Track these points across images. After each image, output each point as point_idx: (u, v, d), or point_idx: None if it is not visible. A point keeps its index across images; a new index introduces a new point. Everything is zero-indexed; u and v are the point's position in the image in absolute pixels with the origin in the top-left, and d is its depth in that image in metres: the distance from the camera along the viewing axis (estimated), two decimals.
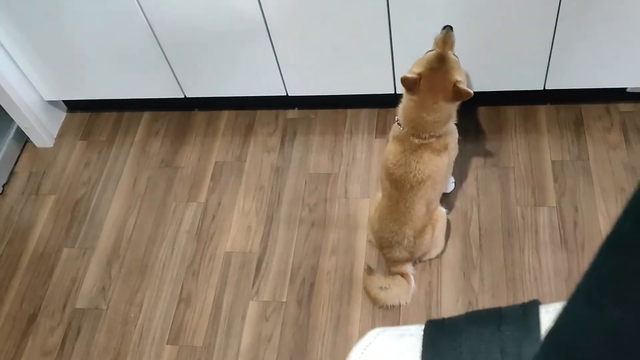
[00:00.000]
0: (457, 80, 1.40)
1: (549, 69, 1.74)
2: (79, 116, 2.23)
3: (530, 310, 0.40)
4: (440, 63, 1.42)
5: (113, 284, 1.79)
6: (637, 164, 1.75)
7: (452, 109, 1.45)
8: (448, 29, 1.48)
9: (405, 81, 1.41)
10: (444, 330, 0.41)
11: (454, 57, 1.45)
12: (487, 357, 0.38)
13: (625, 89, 1.84)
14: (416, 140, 1.48)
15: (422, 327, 0.43)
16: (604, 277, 0.29)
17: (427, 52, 1.47)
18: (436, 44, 1.48)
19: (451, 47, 1.47)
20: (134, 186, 1.99)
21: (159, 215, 1.90)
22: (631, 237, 0.28)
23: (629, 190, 1.70)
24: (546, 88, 1.80)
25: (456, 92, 1.40)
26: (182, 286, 1.74)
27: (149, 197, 1.96)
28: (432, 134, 1.47)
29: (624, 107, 1.88)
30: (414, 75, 1.41)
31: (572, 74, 1.75)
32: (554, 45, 1.67)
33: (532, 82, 1.79)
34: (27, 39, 1.88)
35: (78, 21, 1.79)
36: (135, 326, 1.70)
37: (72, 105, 2.23)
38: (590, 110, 1.89)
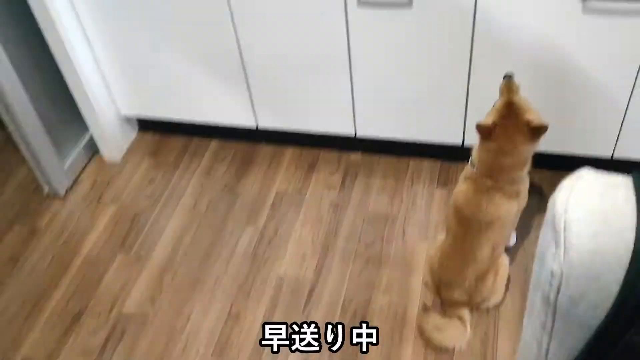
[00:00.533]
0: (529, 119, 1.43)
1: (619, 137, 1.77)
2: (150, 137, 2.31)
3: None
4: (509, 110, 1.45)
5: (163, 293, 1.78)
6: None
7: (530, 151, 1.47)
8: (509, 77, 1.50)
9: (480, 127, 1.44)
10: None
11: (522, 99, 1.48)
12: None
13: None
14: (489, 182, 1.49)
15: (630, 177, 0.44)
16: None
17: (495, 102, 1.50)
18: (501, 93, 1.50)
19: (516, 93, 1.49)
20: (194, 206, 2.03)
21: (216, 235, 1.92)
22: None
23: None
24: (614, 158, 1.82)
25: (532, 130, 1.42)
26: (231, 304, 1.73)
27: (209, 217, 1.98)
28: (507, 177, 1.48)
29: None
30: (489, 123, 1.44)
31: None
32: (627, 112, 1.71)
33: (602, 149, 1.81)
34: (119, 51, 1.99)
35: (170, 39, 1.90)
36: (181, 337, 1.67)
37: (145, 126, 2.32)
38: None
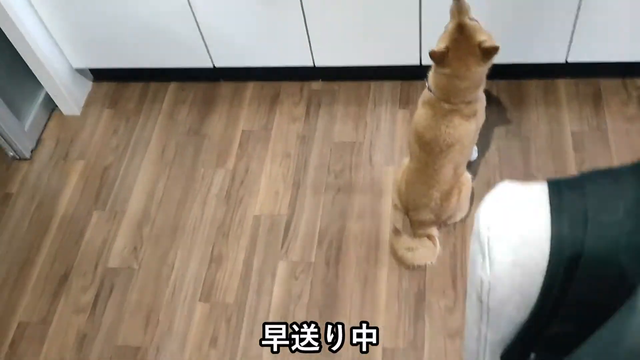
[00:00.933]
0: (481, 41, 1.44)
1: (572, 42, 1.80)
2: (106, 86, 2.27)
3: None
4: (460, 32, 1.46)
5: (145, 244, 1.83)
6: None
7: (484, 72, 1.50)
8: None
9: (433, 55, 1.46)
10: (566, 183, 0.47)
11: (473, 21, 1.47)
12: (608, 203, 0.44)
13: None
14: (447, 106, 1.53)
15: (543, 182, 0.48)
16: None
17: (446, 25, 1.50)
18: (452, 15, 1.49)
19: (466, 13, 1.47)
20: (162, 153, 2.04)
21: (188, 181, 1.95)
22: None
23: None
24: (568, 61, 1.86)
25: (484, 51, 1.44)
26: (213, 247, 1.79)
27: (178, 163, 2.00)
28: (463, 99, 1.51)
29: None
30: (442, 49, 1.45)
31: (594, 47, 1.81)
32: (578, 17, 1.72)
33: (555, 55, 1.84)
34: (59, 4, 1.91)
35: None
36: (168, 284, 1.75)
37: (99, 75, 2.27)
38: (608, 85, 1.95)
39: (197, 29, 1.92)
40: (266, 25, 1.88)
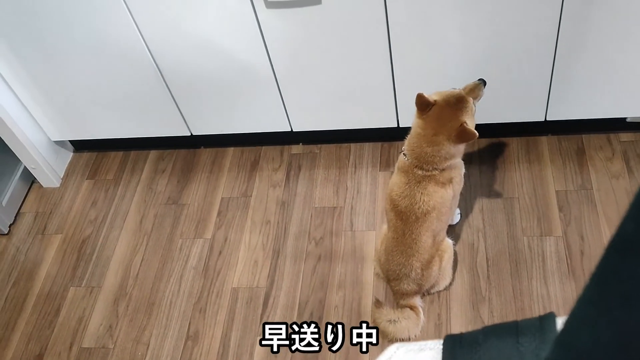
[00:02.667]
0: (465, 121, 1.42)
1: (550, 100, 1.77)
2: (86, 156, 2.25)
3: (547, 321, 0.41)
4: (457, 101, 1.44)
5: (120, 322, 1.78)
6: None
7: (452, 148, 1.46)
8: (481, 82, 1.50)
9: (419, 98, 1.43)
10: (463, 344, 0.42)
11: (472, 105, 1.47)
12: None
13: (625, 118, 1.87)
14: (420, 172, 1.49)
15: (441, 341, 0.44)
16: (609, 279, 0.30)
17: (452, 88, 1.49)
18: (465, 88, 1.49)
19: (475, 97, 1.48)
20: (140, 224, 2.00)
21: (166, 252, 1.91)
22: (634, 239, 0.28)
23: None
24: (547, 119, 1.83)
25: (461, 132, 1.41)
26: (189, 323, 1.73)
27: (156, 234, 1.96)
28: (434, 166, 1.48)
29: (625, 136, 1.90)
30: (431, 99, 1.43)
31: (572, 105, 1.78)
32: (553, 77, 1.70)
33: (534, 114, 1.82)
34: (34, 79, 1.91)
35: (84, 62, 1.83)
36: None
37: (79, 145, 2.26)
38: (591, 140, 1.92)
39: (172, 100, 1.91)
40: (240, 93, 1.87)
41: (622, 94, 1.73)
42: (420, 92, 1.43)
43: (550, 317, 0.42)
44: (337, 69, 1.75)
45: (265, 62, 1.75)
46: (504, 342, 0.41)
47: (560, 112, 1.81)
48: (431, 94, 1.47)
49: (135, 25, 1.70)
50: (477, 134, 1.40)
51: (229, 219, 1.96)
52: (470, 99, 1.47)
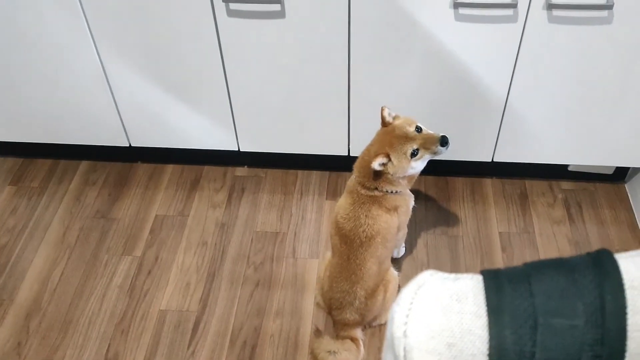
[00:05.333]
0: (388, 154, 1.40)
1: (497, 143, 1.80)
2: (11, 161, 2.08)
3: (604, 256, 0.36)
4: (406, 137, 1.41)
5: (30, 339, 1.59)
6: (580, 239, 1.79)
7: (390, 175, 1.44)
8: (443, 139, 1.41)
9: (383, 112, 1.44)
10: (509, 276, 0.36)
11: (410, 149, 1.39)
12: (563, 303, 0.33)
13: (567, 166, 1.92)
14: (363, 191, 1.45)
15: (477, 275, 0.38)
16: None
17: (418, 124, 1.43)
18: (425, 133, 1.42)
19: (425, 147, 1.41)
20: (63, 236, 1.84)
21: (89, 268, 1.75)
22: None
23: None
24: (494, 160, 1.85)
25: (377, 158, 1.39)
26: (109, 345, 1.58)
27: (80, 248, 1.81)
28: (375, 185, 1.44)
29: (566, 184, 1.95)
30: (389, 117, 1.43)
31: (518, 148, 1.81)
32: (503, 121, 1.73)
33: (482, 154, 1.83)
34: None
35: (21, 55, 1.70)
36: None
37: (4, 149, 2.08)
38: (534, 186, 1.95)
39: (114, 105, 1.80)
40: (189, 105, 1.78)
41: (566, 142, 1.77)
42: (385, 105, 1.44)
43: (606, 252, 0.36)
44: (294, 90, 1.71)
45: (219, 74, 1.68)
46: (559, 274, 0.35)
47: (507, 154, 1.83)
48: (397, 115, 1.46)
49: (84, 19, 1.60)
50: (375, 167, 1.38)
51: (162, 238, 1.83)
52: (416, 145, 1.39)
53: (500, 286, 0.36)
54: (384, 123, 1.44)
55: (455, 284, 0.38)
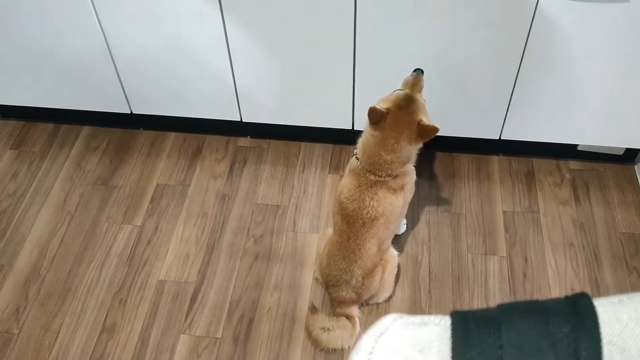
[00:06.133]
0: (421, 119, 1.37)
1: (506, 120, 1.75)
2: (12, 124, 2.06)
3: (582, 303, 0.33)
4: (407, 103, 1.38)
5: (29, 306, 1.61)
6: (585, 221, 1.76)
7: (413, 150, 1.41)
8: (419, 72, 1.45)
9: (373, 112, 1.36)
10: (478, 322, 0.33)
11: (422, 100, 1.42)
12: (535, 353, 0.31)
13: (576, 146, 1.87)
14: (372, 177, 1.42)
15: (446, 317, 0.35)
16: None
17: (395, 91, 1.43)
18: (405, 85, 1.44)
19: (420, 90, 1.43)
20: (64, 202, 1.84)
21: (89, 236, 1.75)
22: None
23: (577, 246, 1.70)
24: (502, 138, 1.80)
25: (421, 130, 1.35)
26: (107, 314, 1.58)
27: (80, 215, 1.80)
28: (389, 172, 1.41)
29: (574, 164, 1.90)
30: (383, 109, 1.36)
31: (527, 127, 1.76)
32: (512, 98, 1.68)
33: (489, 132, 1.79)
34: None
35: (26, 18, 1.67)
36: (49, 355, 1.52)
37: (6, 112, 2.07)
38: (541, 165, 1.91)
39: (115, 71, 1.77)
40: (191, 72, 1.75)
41: (576, 121, 1.72)
42: (372, 105, 1.36)
43: (585, 298, 0.34)
44: (298, 61, 1.67)
45: (222, 42, 1.64)
46: (531, 322, 0.32)
47: (514, 133, 1.79)
48: (379, 102, 1.40)
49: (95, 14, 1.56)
50: (439, 127, 1.34)
51: (162, 207, 1.82)
52: (418, 95, 1.41)
53: (467, 335, 0.33)
54: (380, 116, 1.36)
55: (420, 332, 0.36)
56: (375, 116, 1.36)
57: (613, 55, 1.52)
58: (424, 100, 1.43)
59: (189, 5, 1.56)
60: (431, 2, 1.47)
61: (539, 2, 1.43)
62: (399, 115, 1.37)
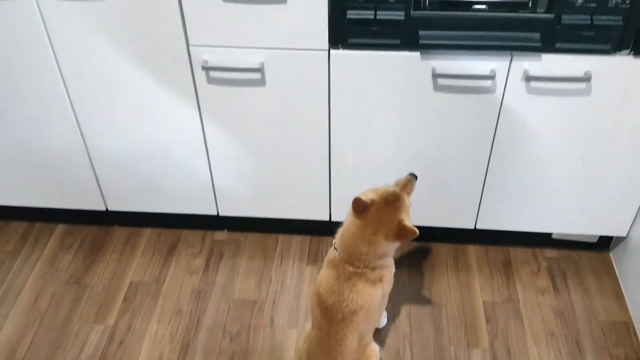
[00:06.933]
0: (403, 219, 1.38)
1: (480, 210, 1.78)
2: None
3: None
4: (394, 199, 1.40)
5: None
6: (565, 309, 1.75)
7: (388, 247, 1.41)
8: (412, 177, 1.49)
9: (357, 202, 1.37)
10: None
11: (408, 202, 1.44)
12: None
13: (551, 234, 1.90)
14: (350, 268, 1.41)
15: None
16: None
17: (385, 185, 1.45)
18: (397, 184, 1.47)
19: (408, 193, 1.46)
20: (35, 302, 1.78)
21: (60, 337, 1.68)
22: None
23: (559, 335, 1.68)
24: (477, 227, 1.82)
25: (401, 229, 1.36)
26: None
27: (51, 315, 1.74)
28: (366, 264, 1.41)
29: (550, 252, 1.92)
30: (368, 200, 1.38)
31: (501, 216, 1.79)
32: (484, 188, 1.72)
33: (465, 221, 1.81)
34: None
35: (1, 115, 1.69)
36: None
37: None
38: (517, 254, 1.92)
39: (92, 169, 1.78)
40: (168, 169, 1.76)
41: (548, 210, 1.76)
42: (357, 195, 1.38)
43: None
44: (274, 155, 1.70)
45: (199, 137, 1.67)
46: None
47: (489, 222, 1.81)
48: (366, 192, 1.42)
49: (62, 81, 1.59)
50: (417, 231, 1.36)
51: (135, 306, 1.77)
52: (406, 197, 1.44)
53: None
54: (364, 207, 1.37)
55: None
56: (359, 206, 1.37)
57: (578, 144, 1.58)
58: (410, 204, 1.44)
59: (167, 105, 1.60)
60: (404, 101, 1.53)
61: (504, 97, 1.50)
62: (382, 209, 1.39)
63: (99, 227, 2.00)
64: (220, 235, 1.99)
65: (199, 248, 1.95)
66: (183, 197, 1.83)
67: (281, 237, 1.98)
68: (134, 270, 1.87)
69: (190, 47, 1.48)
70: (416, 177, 1.50)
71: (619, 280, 1.83)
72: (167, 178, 1.78)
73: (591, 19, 1.34)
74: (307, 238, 1.97)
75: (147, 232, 1.99)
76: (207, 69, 1.51)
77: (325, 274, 1.46)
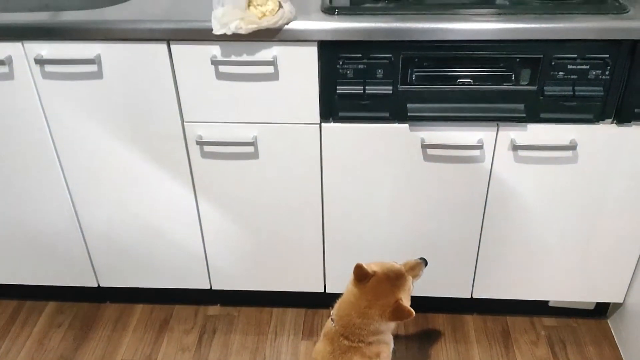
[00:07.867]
0: (401, 298, 1.37)
1: (475, 279, 1.77)
2: None
3: None
4: (397, 277, 1.39)
5: None
6: None
7: (382, 325, 1.38)
8: (422, 261, 1.48)
9: (358, 269, 1.36)
10: None
11: (411, 284, 1.43)
12: None
13: (547, 302, 1.88)
14: (346, 342, 1.39)
15: None
16: None
17: (391, 261, 1.45)
18: (405, 264, 1.46)
19: (414, 276, 1.45)
20: None
21: None
22: None
23: None
24: (473, 297, 1.81)
25: (397, 308, 1.35)
26: None
27: None
28: (360, 338, 1.39)
29: (548, 321, 1.90)
30: (371, 270, 1.37)
31: (496, 285, 1.78)
32: (479, 257, 1.72)
33: (461, 291, 1.80)
34: None
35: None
36: None
37: None
38: (516, 323, 1.89)
39: (85, 246, 1.77)
40: (161, 245, 1.75)
41: (542, 278, 1.75)
42: (360, 262, 1.38)
43: None
44: (267, 228, 1.70)
45: (192, 211, 1.68)
46: None
47: (485, 291, 1.80)
48: (371, 264, 1.42)
49: (56, 157, 1.61)
50: (414, 312, 1.34)
51: None
52: (410, 278, 1.43)
53: None
54: (365, 275, 1.37)
55: None
56: (360, 274, 1.37)
57: (568, 210, 1.60)
58: (412, 287, 1.44)
59: (162, 180, 1.62)
60: (395, 170, 1.56)
61: (493, 166, 1.53)
62: (383, 283, 1.38)
63: (90, 304, 1.97)
64: (214, 309, 1.96)
65: (192, 324, 1.91)
66: (175, 272, 1.82)
67: (275, 311, 1.95)
68: (126, 348, 1.82)
69: (185, 124, 1.51)
70: (426, 263, 1.49)
71: (619, 348, 1.80)
72: (160, 253, 1.77)
73: (573, 90, 1.39)
74: (302, 311, 1.94)
75: (139, 309, 1.95)
76: (201, 143, 1.53)
77: (320, 348, 1.43)
